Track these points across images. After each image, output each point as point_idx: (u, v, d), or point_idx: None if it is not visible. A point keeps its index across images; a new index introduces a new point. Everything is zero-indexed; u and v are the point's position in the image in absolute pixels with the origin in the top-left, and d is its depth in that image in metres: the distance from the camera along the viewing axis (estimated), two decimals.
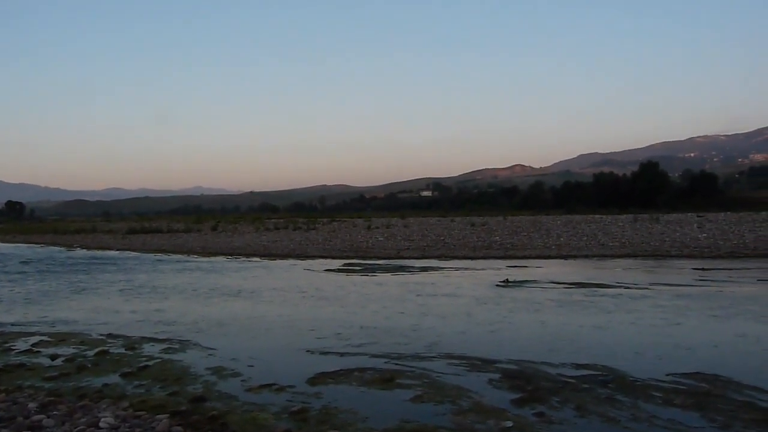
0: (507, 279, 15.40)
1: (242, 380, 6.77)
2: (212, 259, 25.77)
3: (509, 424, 5.22)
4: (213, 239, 37.86)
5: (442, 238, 31.68)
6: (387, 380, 6.61)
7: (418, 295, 13.21)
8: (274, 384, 6.54)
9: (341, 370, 7.08)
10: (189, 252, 29.88)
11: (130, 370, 7.22)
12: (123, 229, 52.44)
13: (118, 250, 33.61)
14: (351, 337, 8.94)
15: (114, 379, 6.91)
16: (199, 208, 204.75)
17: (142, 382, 6.72)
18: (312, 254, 26.28)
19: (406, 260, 22.57)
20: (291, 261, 23.83)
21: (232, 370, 7.21)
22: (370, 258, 23.90)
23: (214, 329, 9.91)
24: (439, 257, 23.42)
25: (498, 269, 18.51)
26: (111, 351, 8.29)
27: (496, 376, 6.74)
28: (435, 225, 44.76)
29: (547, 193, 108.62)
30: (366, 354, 7.87)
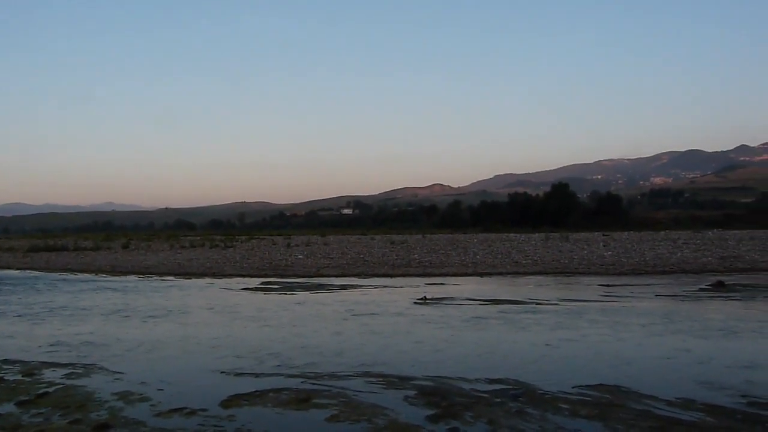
0: (425, 296, 15.63)
1: (151, 405, 6.50)
2: (123, 278, 24.66)
3: None
4: (124, 258, 36.26)
5: (362, 256, 31.79)
6: (303, 400, 6.54)
7: (334, 313, 13.17)
8: (185, 408, 6.33)
9: (256, 391, 6.94)
10: (97, 271, 28.46)
11: (27, 398, 6.77)
12: (24, 247, 49.31)
13: (18, 269, 31.54)
14: (266, 358, 8.79)
15: (8, 408, 6.46)
16: (110, 224, 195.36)
17: (41, 411, 6.32)
18: (229, 273, 25.68)
19: (326, 278, 22.47)
20: (207, 280, 23.19)
21: (141, 394, 6.91)
22: (289, 276, 23.63)
23: (123, 352, 9.47)
24: (358, 275, 23.46)
25: (416, 287, 18.75)
26: (6, 378, 7.76)
27: (413, 393, 6.81)
28: (355, 243, 44.89)
29: (465, 212, 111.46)
30: (282, 374, 7.76)
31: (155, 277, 24.62)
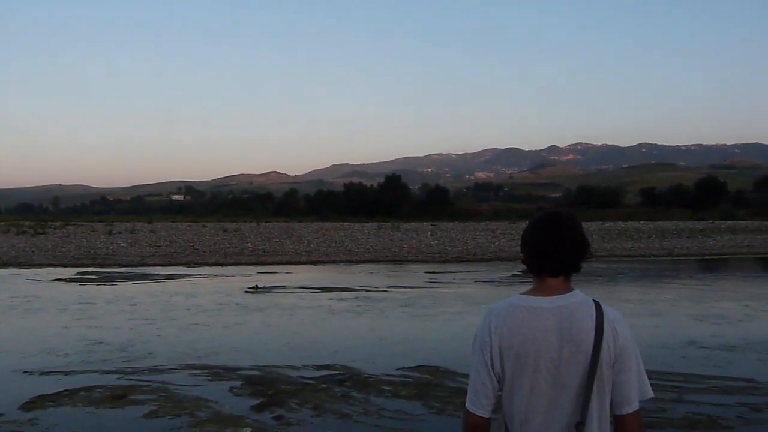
0: (256, 285, 15.40)
1: None
2: None
3: (248, 430, 5.22)
4: None
5: (191, 244, 30.50)
6: (118, 397, 6.13)
7: (157, 304, 12.50)
8: None
9: (65, 390, 6.36)
10: None
11: None
12: None
13: None
14: (78, 354, 8.10)
15: None
16: None
17: None
18: (39, 262, 23.25)
19: (151, 267, 21.24)
20: (11, 270, 20.80)
21: None
22: (110, 266, 21.99)
23: None
24: (187, 264, 22.48)
25: (249, 275, 18.41)
26: None
27: (238, 383, 6.68)
28: (185, 230, 42.93)
29: (301, 201, 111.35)
30: (96, 371, 7.20)
31: None
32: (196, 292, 14.49)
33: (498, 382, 1.84)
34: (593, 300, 1.85)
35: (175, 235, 36.95)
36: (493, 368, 1.83)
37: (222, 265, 22.40)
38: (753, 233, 42.17)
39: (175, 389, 6.42)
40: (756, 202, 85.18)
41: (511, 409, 1.84)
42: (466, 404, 1.87)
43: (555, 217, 1.92)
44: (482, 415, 1.85)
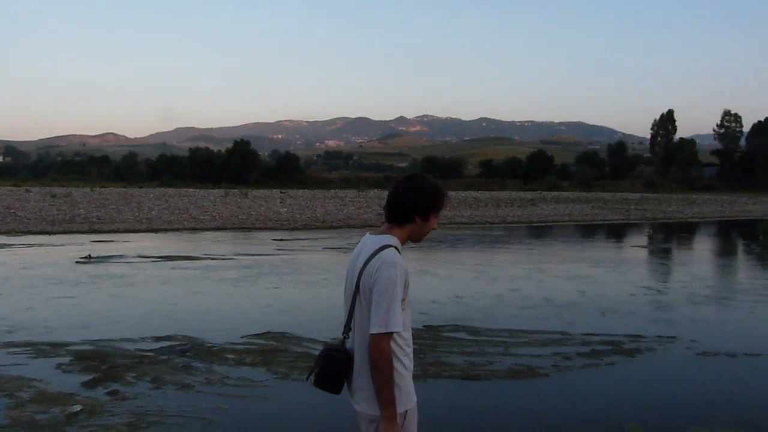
0: (89, 255, 14.32)
1: None
2: None
3: (77, 408, 4.89)
4: None
5: (12, 210, 27.56)
6: None
7: None
8: None
9: None
10: None
11: None
12: None
13: None
14: None
15: None
16: None
17: None
18: None
19: None
20: None
21: None
22: None
23: None
24: (7, 233, 20.30)
25: (81, 244, 17.05)
26: None
27: (67, 359, 6.22)
28: (5, 195, 38.68)
29: (142, 165, 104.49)
30: None
31: None
32: (17, 264, 13.16)
33: None
34: (387, 244, 2.36)
35: None
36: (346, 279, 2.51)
37: (49, 233, 20.50)
38: (573, 203, 46.74)
39: None
40: (577, 175, 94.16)
41: None
42: None
43: (399, 179, 2.50)
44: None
